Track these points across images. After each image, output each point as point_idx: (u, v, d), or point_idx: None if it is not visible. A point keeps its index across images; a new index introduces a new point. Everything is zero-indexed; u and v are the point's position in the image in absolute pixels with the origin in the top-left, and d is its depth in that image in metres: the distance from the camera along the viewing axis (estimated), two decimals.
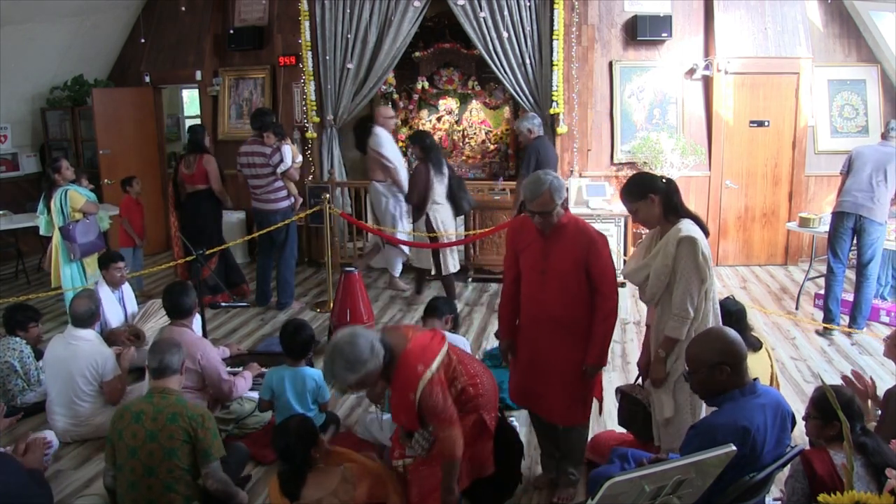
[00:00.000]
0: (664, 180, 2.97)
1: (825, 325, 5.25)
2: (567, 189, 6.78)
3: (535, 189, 2.92)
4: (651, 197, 2.89)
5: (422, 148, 5.88)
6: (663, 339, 2.93)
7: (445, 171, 5.94)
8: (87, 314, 3.96)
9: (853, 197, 5.07)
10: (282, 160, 5.83)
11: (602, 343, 3.03)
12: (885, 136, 5.20)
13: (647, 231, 3.13)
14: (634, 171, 7.00)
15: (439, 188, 5.92)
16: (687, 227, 2.86)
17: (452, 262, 6.04)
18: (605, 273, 2.99)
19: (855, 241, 5.23)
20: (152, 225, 8.27)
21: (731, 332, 2.50)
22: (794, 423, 2.53)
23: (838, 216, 5.18)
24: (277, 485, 2.86)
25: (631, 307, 6.04)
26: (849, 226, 5.13)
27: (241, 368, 4.25)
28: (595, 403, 3.30)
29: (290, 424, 2.95)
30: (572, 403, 3.12)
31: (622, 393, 3.35)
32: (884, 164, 5.02)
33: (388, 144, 6.22)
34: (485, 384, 2.89)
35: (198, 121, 8.29)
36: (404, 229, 6.34)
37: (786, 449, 2.46)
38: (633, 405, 3.26)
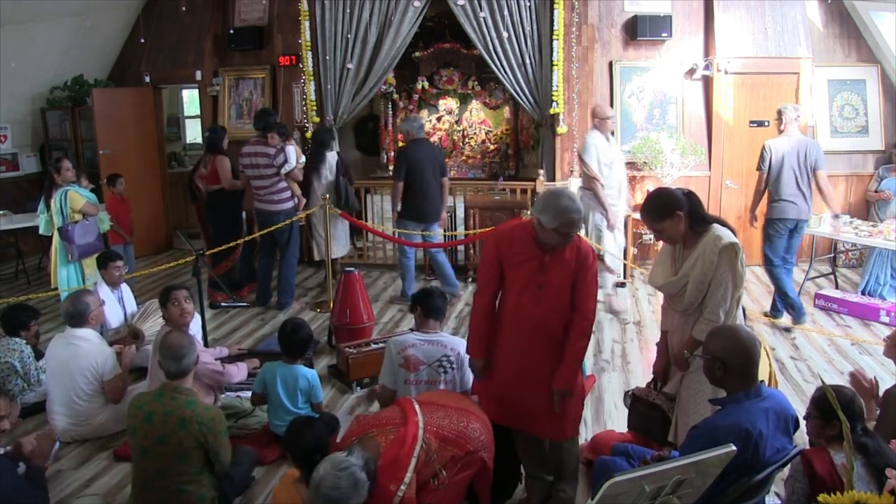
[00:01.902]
0: (685, 193, 2.92)
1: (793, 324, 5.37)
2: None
3: (574, 214, 2.73)
4: (678, 214, 2.84)
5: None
6: (689, 339, 2.90)
7: (322, 171, 6.33)
8: (68, 315, 3.97)
9: (793, 205, 5.21)
10: (286, 160, 5.83)
11: (575, 365, 2.89)
12: (787, 125, 5.27)
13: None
14: (635, 172, 7.10)
15: (318, 187, 6.34)
16: (726, 234, 2.83)
17: (317, 251, 6.58)
18: (592, 291, 2.90)
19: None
20: (152, 225, 8.30)
21: (746, 337, 2.45)
22: (797, 426, 2.53)
23: (781, 222, 5.28)
24: (289, 485, 2.80)
25: (631, 307, 6.04)
26: (789, 228, 5.29)
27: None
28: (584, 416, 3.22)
29: (303, 432, 2.80)
30: (565, 417, 2.99)
31: (634, 396, 3.22)
32: (803, 161, 5.16)
33: (592, 150, 5.58)
34: (477, 431, 2.71)
35: (198, 121, 8.31)
36: (615, 246, 5.83)
37: (787, 452, 2.46)
38: (649, 409, 3.14)
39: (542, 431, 3.05)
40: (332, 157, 6.40)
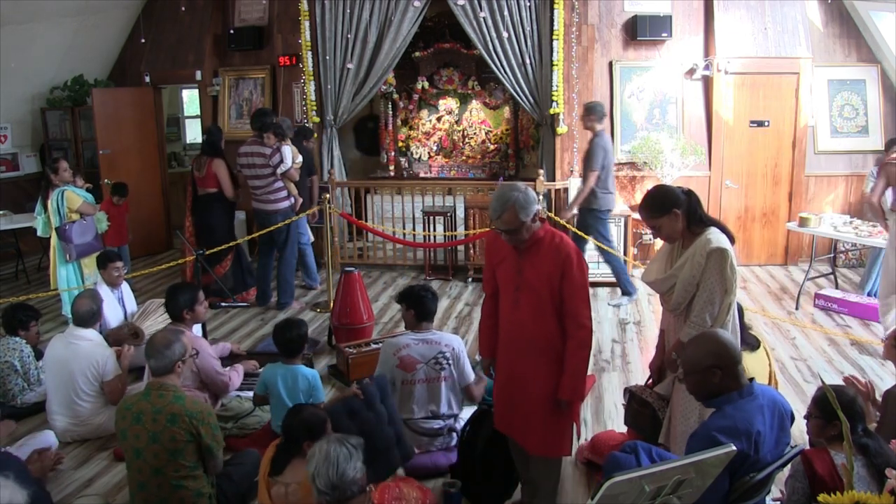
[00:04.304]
0: (684, 191, 2.91)
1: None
2: (549, 197, 6.84)
3: (497, 206, 2.68)
4: (675, 212, 2.82)
5: None
6: (677, 342, 2.90)
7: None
8: (88, 314, 3.96)
9: (614, 195, 6.02)
10: (282, 161, 5.82)
11: (576, 375, 2.77)
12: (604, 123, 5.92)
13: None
14: (635, 172, 7.11)
15: None
16: (717, 238, 2.80)
17: None
18: (577, 295, 2.74)
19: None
20: (151, 225, 8.29)
21: (725, 335, 2.48)
22: (792, 420, 2.53)
23: (610, 211, 6.02)
24: (270, 455, 2.84)
25: (631, 307, 6.04)
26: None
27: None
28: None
29: (303, 411, 2.88)
30: (548, 433, 2.86)
31: (630, 393, 3.24)
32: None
33: None
34: None
35: (198, 121, 8.30)
36: None
37: (785, 448, 2.46)
38: (641, 406, 3.16)
39: (525, 443, 2.95)
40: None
